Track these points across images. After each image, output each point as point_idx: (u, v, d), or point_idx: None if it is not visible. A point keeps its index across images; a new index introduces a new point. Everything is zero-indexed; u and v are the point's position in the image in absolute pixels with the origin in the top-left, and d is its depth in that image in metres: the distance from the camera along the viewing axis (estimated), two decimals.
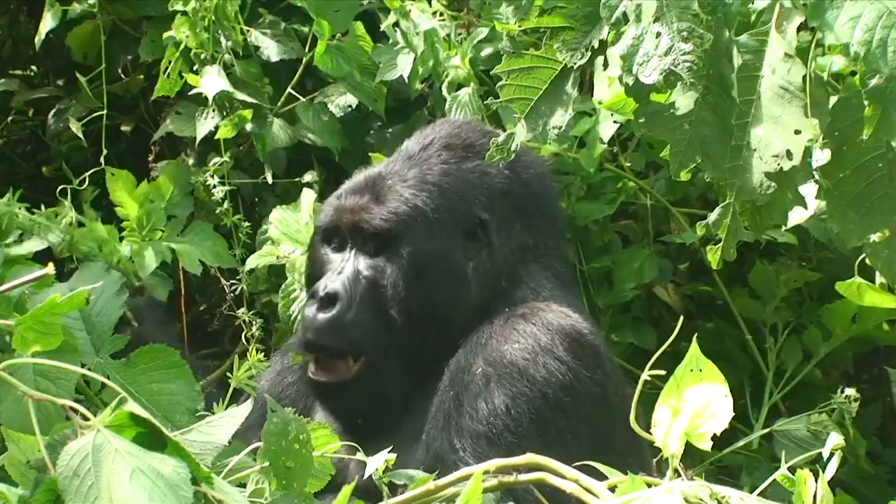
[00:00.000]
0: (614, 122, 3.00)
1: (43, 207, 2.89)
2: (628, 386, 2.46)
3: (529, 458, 1.60)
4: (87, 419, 1.53)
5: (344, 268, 2.49)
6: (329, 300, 2.45)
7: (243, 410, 1.74)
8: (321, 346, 2.46)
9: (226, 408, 1.90)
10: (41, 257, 2.72)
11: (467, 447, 2.27)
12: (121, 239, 3.00)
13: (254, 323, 3.10)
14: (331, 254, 2.55)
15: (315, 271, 2.56)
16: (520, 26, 2.16)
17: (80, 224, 2.92)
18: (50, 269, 1.56)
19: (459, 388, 2.32)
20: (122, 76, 3.65)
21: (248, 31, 3.28)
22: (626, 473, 1.57)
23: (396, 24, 3.12)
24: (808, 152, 2.05)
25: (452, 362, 2.38)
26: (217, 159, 3.18)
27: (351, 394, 2.46)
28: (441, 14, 3.16)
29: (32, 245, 2.81)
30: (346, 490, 1.55)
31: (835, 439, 1.89)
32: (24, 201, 2.84)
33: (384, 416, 2.47)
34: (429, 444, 2.32)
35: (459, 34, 3.16)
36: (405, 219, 2.47)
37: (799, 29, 2.03)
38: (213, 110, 3.21)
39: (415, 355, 2.47)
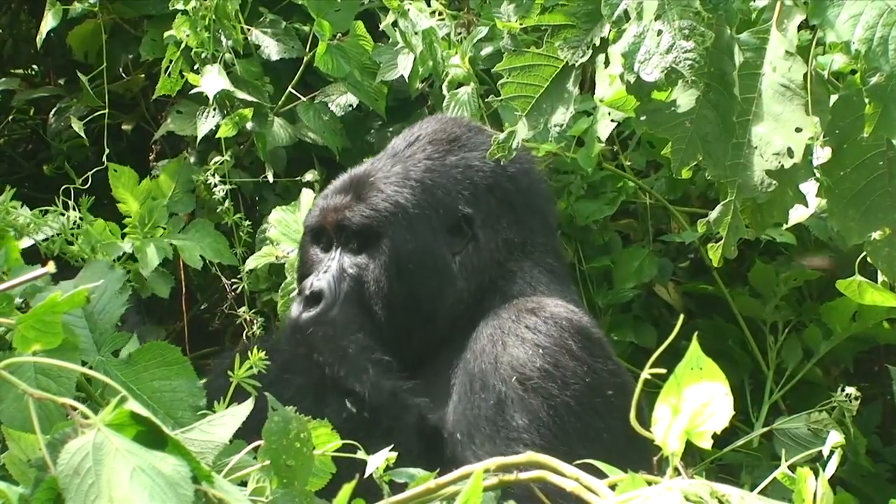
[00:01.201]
0: (612, 120, 3.00)
1: (50, 206, 2.89)
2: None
3: (529, 456, 1.59)
4: (87, 418, 1.53)
5: (329, 266, 2.51)
6: (314, 298, 2.47)
7: (244, 409, 1.74)
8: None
9: (226, 407, 1.90)
10: (36, 257, 2.72)
11: None
12: (123, 236, 3.00)
13: (254, 322, 3.10)
14: (319, 253, 2.57)
15: (305, 271, 2.58)
16: (521, 24, 2.16)
17: (78, 225, 2.92)
18: (50, 267, 1.56)
19: (494, 396, 2.31)
20: (123, 75, 3.65)
21: (248, 30, 3.27)
22: (625, 471, 1.57)
23: (395, 24, 3.12)
24: (808, 150, 2.05)
25: (470, 359, 2.36)
26: (218, 158, 3.18)
27: None
28: (440, 13, 3.16)
29: (31, 240, 2.81)
30: (347, 489, 1.55)
31: (835, 437, 1.89)
32: (24, 200, 2.84)
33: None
34: (475, 449, 2.31)
35: (459, 33, 3.16)
36: (386, 215, 2.49)
37: (799, 27, 2.03)
38: (214, 109, 3.22)
39: (400, 349, 2.47)
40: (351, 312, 2.47)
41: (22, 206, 2.90)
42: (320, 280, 2.49)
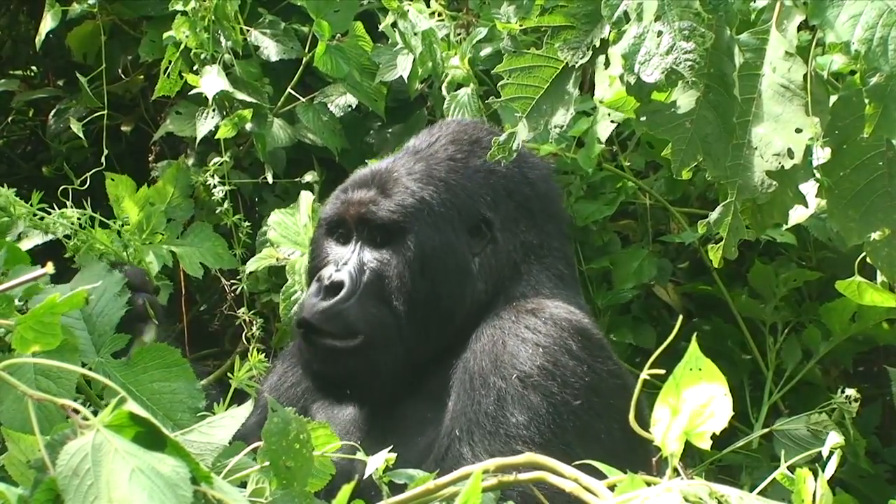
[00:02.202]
0: (612, 121, 2.99)
1: (56, 207, 2.88)
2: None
3: (528, 456, 1.59)
4: (86, 419, 1.53)
5: (349, 259, 2.49)
6: (333, 288, 2.45)
7: (243, 411, 1.74)
8: (321, 329, 2.45)
9: (226, 408, 1.90)
10: (43, 256, 2.72)
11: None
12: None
13: (254, 323, 3.10)
14: (335, 246, 2.55)
15: (318, 263, 2.56)
16: (521, 25, 2.16)
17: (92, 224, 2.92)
18: (49, 268, 1.56)
19: (494, 393, 2.31)
20: (122, 76, 3.65)
21: (247, 30, 3.27)
22: (625, 472, 1.57)
23: (394, 25, 3.12)
24: (808, 151, 2.05)
25: (470, 358, 2.36)
26: (217, 159, 3.18)
27: (344, 362, 2.45)
28: (439, 14, 3.16)
29: (34, 241, 2.81)
30: (346, 489, 1.55)
31: (834, 438, 1.89)
32: (23, 200, 2.84)
33: (372, 396, 2.48)
34: (473, 446, 2.31)
35: (459, 34, 3.16)
36: (412, 211, 2.48)
37: (799, 28, 2.03)
38: (213, 110, 3.21)
39: (415, 347, 2.47)
40: (368, 304, 2.46)
41: (43, 209, 2.90)
42: (340, 271, 2.47)
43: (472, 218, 2.52)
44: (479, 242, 2.52)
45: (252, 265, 3.03)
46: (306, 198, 3.01)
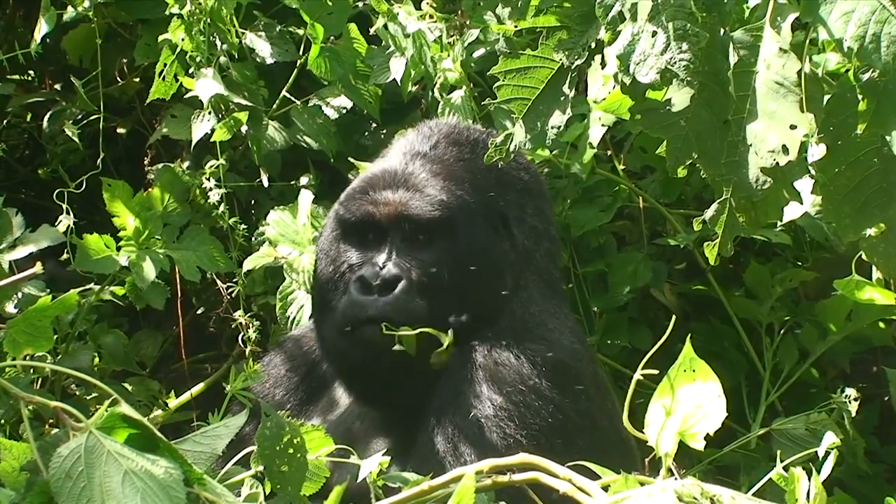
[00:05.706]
0: (602, 125, 2.97)
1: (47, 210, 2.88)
2: (621, 388, 2.45)
3: (523, 458, 1.59)
4: (78, 421, 1.52)
5: (392, 258, 2.44)
6: (388, 284, 2.39)
7: (238, 421, 1.74)
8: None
9: (221, 418, 1.89)
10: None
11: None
12: (118, 249, 2.99)
13: (251, 325, 3.09)
14: (360, 249, 2.49)
15: (341, 267, 2.50)
16: (516, 26, 2.15)
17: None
18: (38, 268, 1.55)
19: (450, 431, 2.29)
20: (118, 79, 3.64)
21: (243, 33, 3.26)
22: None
23: (386, 27, 3.10)
24: (803, 147, 2.05)
25: (441, 387, 2.34)
26: (213, 162, 3.17)
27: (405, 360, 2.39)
28: (431, 16, 3.15)
29: (29, 248, 2.81)
30: (338, 490, 1.55)
31: (830, 438, 1.88)
32: (21, 205, 2.84)
33: (408, 392, 2.42)
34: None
35: (452, 35, 3.14)
36: (455, 208, 2.44)
37: (793, 26, 2.02)
38: (209, 113, 3.20)
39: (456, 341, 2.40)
40: (424, 302, 2.39)
41: (18, 213, 2.91)
42: (389, 268, 2.41)
43: (494, 214, 2.51)
44: (501, 237, 2.50)
45: (249, 263, 3.00)
46: (306, 197, 2.98)
